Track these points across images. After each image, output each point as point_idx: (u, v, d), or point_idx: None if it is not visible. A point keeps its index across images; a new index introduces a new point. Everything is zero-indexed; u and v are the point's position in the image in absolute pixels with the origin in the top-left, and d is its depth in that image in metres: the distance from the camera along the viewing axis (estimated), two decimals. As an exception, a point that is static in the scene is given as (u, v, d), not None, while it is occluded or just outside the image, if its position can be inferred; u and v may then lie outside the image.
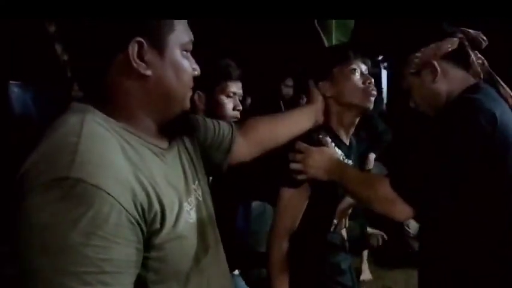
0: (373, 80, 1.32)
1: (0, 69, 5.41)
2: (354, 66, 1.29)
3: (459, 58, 1.23)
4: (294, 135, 1.28)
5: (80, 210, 0.61)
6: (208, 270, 0.85)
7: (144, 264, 0.71)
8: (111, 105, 0.77)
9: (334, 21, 4.44)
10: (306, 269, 1.37)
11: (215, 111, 1.57)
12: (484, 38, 1.25)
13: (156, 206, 0.71)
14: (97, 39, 0.72)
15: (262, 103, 4.65)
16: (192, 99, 1.52)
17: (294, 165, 1.25)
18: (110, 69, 0.76)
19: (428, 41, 1.23)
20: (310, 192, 1.28)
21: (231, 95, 1.59)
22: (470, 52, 1.23)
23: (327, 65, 1.36)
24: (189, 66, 0.83)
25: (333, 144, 1.33)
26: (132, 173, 0.69)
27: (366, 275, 4.07)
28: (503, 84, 1.25)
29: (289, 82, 4.94)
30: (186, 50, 0.81)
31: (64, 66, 5.27)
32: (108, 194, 0.63)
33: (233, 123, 1.20)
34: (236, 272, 1.77)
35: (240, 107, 1.61)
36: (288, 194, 1.29)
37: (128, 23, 0.72)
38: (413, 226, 3.88)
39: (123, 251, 0.65)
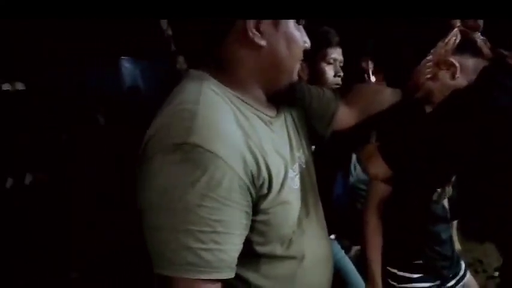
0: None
1: (112, 45, 5.90)
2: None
3: (467, 46, 1.11)
4: (396, 106, 1.20)
5: (197, 173, 0.63)
6: (309, 233, 0.86)
7: (251, 226, 0.74)
8: (225, 74, 0.78)
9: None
10: (404, 238, 1.35)
11: (317, 79, 1.54)
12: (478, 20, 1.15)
13: (264, 173, 0.73)
14: (218, 8, 0.74)
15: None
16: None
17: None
18: (227, 38, 0.76)
19: (434, 40, 1.12)
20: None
21: (332, 61, 1.55)
22: (475, 37, 1.11)
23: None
24: (301, 38, 0.82)
25: None
26: (243, 140, 0.71)
27: (456, 245, 3.87)
28: None
29: None
30: (298, 22, 0.81)
31: (168, 41, 5.55)
32: (223, 160, 0.65)
33: (337, 91, 1.18)
34: (332, 236, 1.80)
35: (341, 73, 1.56)
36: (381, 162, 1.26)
37: None
38: None
39: (234, 213, 0.67)
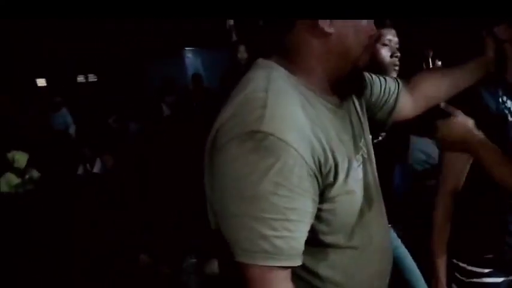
0: None
1: (176, 37, 6.10)
2: None
3: None
4: (463, 88, 1.16)
5: (269, 161, 0.64)
6: (371, 224, 0.85)
7: (318, 215, 0.73)
8: (291, 62, 0.78)
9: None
10: (474, 229, 1.27)
11: (373, 61, 1.50)
12: None
13: (331, 161, 0.72)
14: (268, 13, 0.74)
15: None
16: None
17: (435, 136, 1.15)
18: (296, 25, 0.76)
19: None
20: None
21: (387, 42, 1.53)
22: None
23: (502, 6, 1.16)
24: (367, 25, 0.81)
25: (505, 97, 1.17)
26: (310, 128, 0.71)
27: None
28: None
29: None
30: None
31: (230, 31, 5.64)
32: (293, 148, 0.65)
33: (399, 80, 1.12)
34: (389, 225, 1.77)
35: (398, 54, 1.53)
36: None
37: None
38: None
39: (304, 201, 0.68)
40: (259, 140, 0.64)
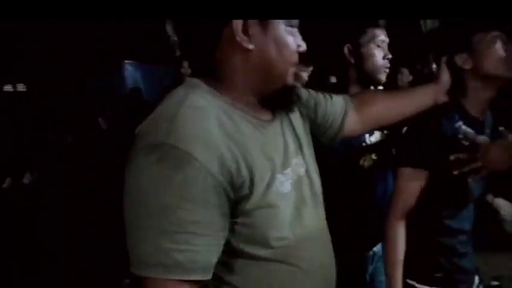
0: None
1: (115, 49, 5.94)
2: (495, 33, 1.17)
3: None
4: (410, 114, 1.21)
5: (172, 174, 0.65)
6: (303, 246, 0.84)
7: (233, 229, 0.74)
8: (218, 79, 0.79)
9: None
10: (423, 249, 1.34)
11: (365, 62, 1.51)
12: None
13: (245, 172, 0.73)
14: (206, 15, 0.76)
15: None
16: (342, 53, 1.44)
17: (474, 165, 1.18)
18: (219, 44, 0.77)
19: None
20: (430, 173, 1.24)
21: (380, 43, 1.51)
22: None
23: (465, 34, 1.24)
24: (293, 42, 0.81)
25: (461, 122, 1.25)
26: (223, 140, 0.72)
27: None
28: None
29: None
30: (291, 26, 0.81)
31: (173, 46, 5.48)
32: (197, 160, 0.66)
33: (347, 97, 1.15)
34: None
35: (390, 56, 1.52)
36: (406, 174, 1.25)
37: None
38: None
39: (208, 214, 0.68)
40: (165, 152, 0.65)
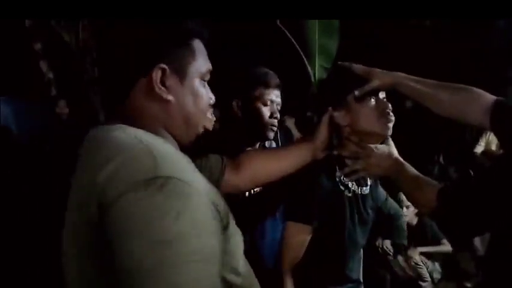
0: (390, 106, 1.23)
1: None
2: (369, 90, 1.18)
3: None
4: (289, 171, 1.21)
5: (179, 203, 0.62)
6: (248, 268, 0.84)
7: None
8: (137, 125, 0.76)
9: (317, 45, 4.53)
10: None
11: (252, 118, 1.49)
12: None
13: (221, 201, 0.73)
14: (123, 62, 0.77)
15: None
16: (230, 107, 1.51)
17: (355, 165, 1.22)
18: (134, 91, 0.77)
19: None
20: (317, 226, 1.25)
21: (268, 103, 1.48)
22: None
23: (341, 92, 1.25)
24: (206, 94, 0.85)
25: (343, 175, 1.28)
26: (194, 170, 0.74)
27: None
28: None
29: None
30: (203, 79, 0.84)
31: (49, 83, 5.69)
32: (195, 187, 0.65)
33: (225, 157, 1.19)
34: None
35: (278, 115, 1.50)
36: (294, 228, 1.27)
37: (153, 50, 0.76)
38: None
39: (211, 241, 0.65)
40: (162, 185, 0.62)
